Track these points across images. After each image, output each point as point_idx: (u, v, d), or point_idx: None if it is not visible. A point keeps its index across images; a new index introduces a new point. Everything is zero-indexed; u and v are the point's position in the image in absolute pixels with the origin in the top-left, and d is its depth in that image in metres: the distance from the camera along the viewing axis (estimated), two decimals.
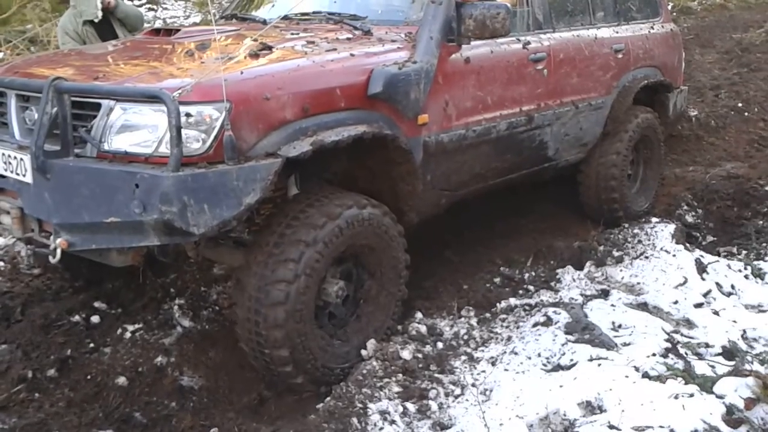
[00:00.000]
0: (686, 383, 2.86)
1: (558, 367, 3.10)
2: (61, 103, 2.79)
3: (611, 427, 2.63)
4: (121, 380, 3.26)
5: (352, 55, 3.27)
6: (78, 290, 4.05)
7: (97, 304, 3.90)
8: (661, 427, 2.58)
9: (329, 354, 3.16)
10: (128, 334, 3.63)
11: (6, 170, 2.98)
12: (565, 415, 2.74)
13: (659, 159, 5.39)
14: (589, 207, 5.01)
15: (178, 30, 3.64)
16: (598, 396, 2.81)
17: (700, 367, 3.10)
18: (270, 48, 3.19)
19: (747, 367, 3.05)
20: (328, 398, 3.01)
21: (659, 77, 5.25)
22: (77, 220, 2.77)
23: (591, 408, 2.78)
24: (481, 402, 2.91)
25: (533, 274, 4.19)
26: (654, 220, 4.65)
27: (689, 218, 5.01)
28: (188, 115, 2.65)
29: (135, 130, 2.75)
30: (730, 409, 2.68)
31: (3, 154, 2.98)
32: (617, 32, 4.90)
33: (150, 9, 13.08)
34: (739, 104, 7.06)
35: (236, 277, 3.09)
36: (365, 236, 3.20)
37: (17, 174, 2.92)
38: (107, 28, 5.27)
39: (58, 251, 2.79)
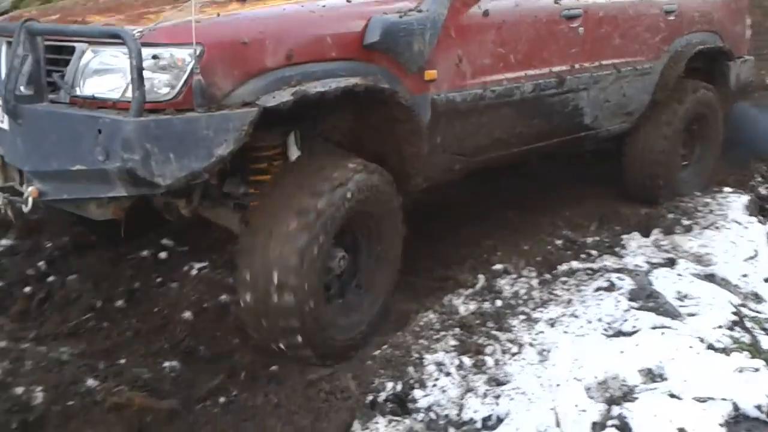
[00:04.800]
0: (752, 357, 2.80)
1: (619, 333, 3.05)
2: (34, 46, 2.67)
3: (672, 395, 2.59)
4: (187, 315, 3.33)
5: (348, 0, 3.06)
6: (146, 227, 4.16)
7: (164, 242, 4.01)
8: (723, 399, 2.54)
9: (335, 325, 3.01)
10: (194, 272, 3.71)
11: None
12: (624, 380, 2.71)
13: (717, 140, 5.00)
14: (632, 184, 4.71)
15: None
16: (660, 364, 2.76)
17: (767, 342, 3.01)
18: None
19: None
20: (385, 346, 3.05)
21: (717, 43, 4.86)
22: (46, 167, 2.65)
23: (652, 376, 2.73)
24: (538, 362, 2.90)
25: (597, 238, 4.12)
26: (727, 190, 4.52)
27: (763, 190, 4.83)
28: (156, 57, 2.51)
29: (105, 74, 2.62)
30: None
31: None
32: None
33: None
34: None
35: (244, 238, 2.91)
36: (369, 203, 3.04)
37: None
38: None
39: (30, 200, 2.68)
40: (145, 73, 2.42)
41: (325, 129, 3.20)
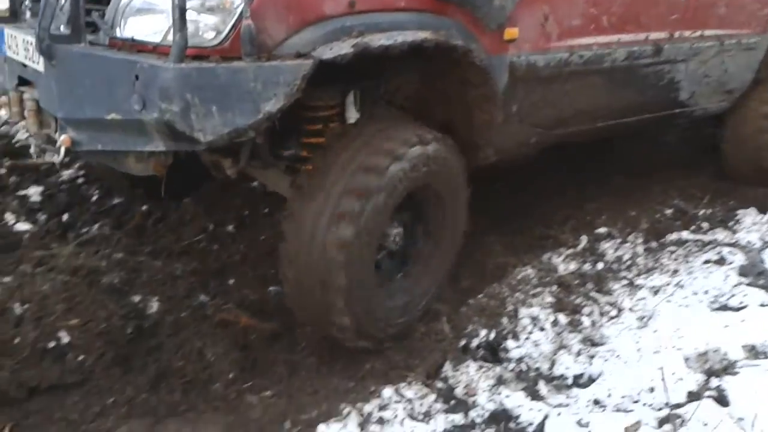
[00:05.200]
0: None
1: (725, 308, 2.97)
2: None
3: None
4: None
5: None
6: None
7: None
8: None
9: (384, 308, 2.78)
10: None
11: (26, 58, 2.63)
12: (725, 354, 2.64)
13: None
14: (730, 168, 4.42)
15: None
16: (765, 342, 2.67)
17: None
18: None
19: None
20: (481, 295, 3.08)
21: None
22: (80, 115, 2.41)
23: (755, 353, 2.65)
24: (637, 327, 2.86)
25: (710, 211, 3.98)
26: None
27: None
28: None
29: (148, 14, 2.38)
30: None
31: (24, 41, 2.62)
32: None
33: None
34: None
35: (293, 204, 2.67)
36: (432, 176, 2.77)
37: (33, 61, 2.57)
38: None
39: (62, 149, 2.45)
40: (189, 14, 2.18)
41: (388, 90, 2.94)
